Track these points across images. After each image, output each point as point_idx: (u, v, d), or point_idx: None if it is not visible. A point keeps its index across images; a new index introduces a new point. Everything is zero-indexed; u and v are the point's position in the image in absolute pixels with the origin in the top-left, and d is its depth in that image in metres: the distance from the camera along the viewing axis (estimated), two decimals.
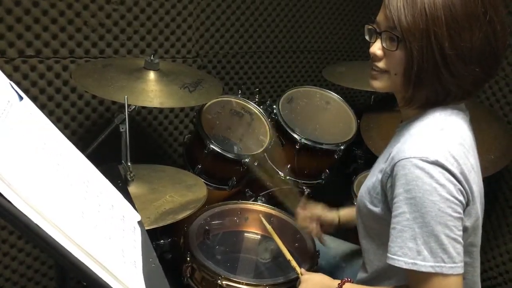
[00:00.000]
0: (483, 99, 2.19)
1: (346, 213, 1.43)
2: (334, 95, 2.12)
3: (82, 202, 0.70)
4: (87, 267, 0.60)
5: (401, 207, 0.92)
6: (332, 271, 1.48)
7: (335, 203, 2.21)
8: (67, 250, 0.58)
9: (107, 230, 0.72)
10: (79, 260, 0.59)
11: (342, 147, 1.91)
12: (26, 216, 0.56)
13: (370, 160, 2.17)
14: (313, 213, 1.40)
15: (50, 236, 0.57)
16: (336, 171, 2.09)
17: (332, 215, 1.42)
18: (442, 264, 0.89)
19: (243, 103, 1.95)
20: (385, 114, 2.05)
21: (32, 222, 0.56)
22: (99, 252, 0.63)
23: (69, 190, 0.69)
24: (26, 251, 1.82)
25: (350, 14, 2.53)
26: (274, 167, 1.98)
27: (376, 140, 1.95)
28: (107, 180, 0.90)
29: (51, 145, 0.74)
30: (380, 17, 1.00)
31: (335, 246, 1.55)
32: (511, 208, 2.14)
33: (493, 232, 2.20)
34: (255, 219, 1.63)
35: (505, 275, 2.19)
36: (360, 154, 2.24)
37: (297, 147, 1.87)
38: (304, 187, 1.99)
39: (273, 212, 1.63)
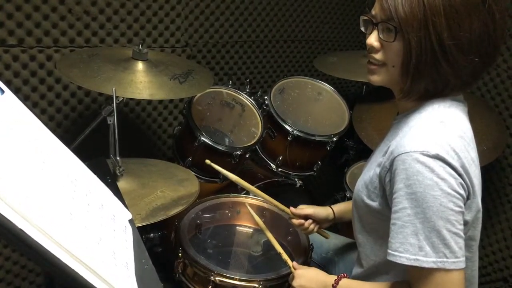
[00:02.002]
0: (474, 89, 2.19)
1: (340, 208, 1.42)
2: (326, 86, 2.09)
3: (70, 203, 0.66)
4: (76, 273, 0.56)
5: (401, 202, 0.90)
6: (325, 265, 1.47)
7: (327, 194, 2.21)
8: (54, 256, 0.54)
9: (97, 231, 0.68)
10: (68, 266, 0.55)
11: (334, 139, 1.89)
12: (9, 221, 0.52)
13: (361, 151, 2.17)
14: (305, 212, 1.38)
15: (36, 241, 0.53)
16: (327, 162, 2.07)
17: (326, 211, 1.40)
18: (445, 260, 0.87)
19: (234, 94, 1.91)
20: (377, 104, 2.04)
21: (16, 227, 0.52)
22: (88, 256, 0.59)
23: (56, 190, 0.65)
24: (13, 259, 1.78)
25: (341, 3, 2.50)
26: (266, 159, 1.96)
27: (368, 131, 1.93)
28: (95, 177, 0.86)
29: (35, 142, 0.69)
30: (376, 8, 0.97)
31: (327, 240, 1.54)
32: (501, 198, 2.16)
33: (483, 222, 2.21)
34: (247, 212, 1.60)
35: (494, 265, 2.21)
36: (351, 145, 2.23)
37: (289, 138, 1.84)
38: (296, 179, 1.97)
39: (265, 205, 1.61)
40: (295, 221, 1.39)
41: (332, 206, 1.42)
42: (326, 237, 1.48)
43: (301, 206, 1.40)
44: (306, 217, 1.39)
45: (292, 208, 1.40)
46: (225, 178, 1.77)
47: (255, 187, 1.84)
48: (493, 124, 1.96)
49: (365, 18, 1.01)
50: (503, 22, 0.93)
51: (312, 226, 1.39)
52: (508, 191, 2.13)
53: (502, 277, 2.20)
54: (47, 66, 1.69)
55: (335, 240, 1.54)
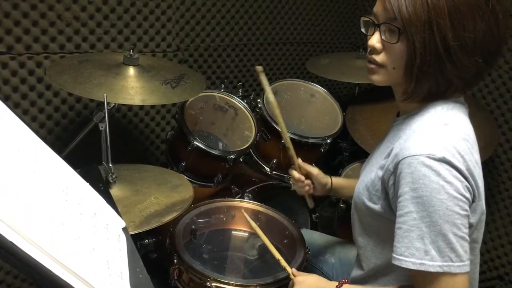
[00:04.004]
0: (470, 90, 2.20)
1: (339, 181, 1.42)
2: (319, 88, 2.09)
3: (62, 212, 0.65)
4: (69, 285, 0.55)
5: (407, 206, 0.89)
6: (321, 267, 1.46)
7: (322, 196, 2.20)
8: (46, 268, 0.53)
9: (90, 241, 0.67)
10: (60, 278, 0.54)
11: (328, 141, 1.89)
12: None
13: (355, 153, 2.17)
14: (310, 169, 1.37)
15: (27, 254, 0.52)
16: (322, 164, 2.07)
17: (326, 179, 1.39)
18: (450, 263, 0.87)
19: (227, 97, 1.91)
20: (370, 105, 2.04)
21: (6, 239, 0.50)
22: (81, 267, 0.58)
23: (47, 200, 0.63)
24: (5, 269, 1.75)
25: (332, 5, 2.51)
26: (260, 162, 1.95)
27: (362, 132, 1.93)
28: (88, 184, 0.85)
29: (25, 150, 0.68)
30: (378, 8, 0.96)
31: (323, 241, 1.53)
32: (494, 197, 2.17)
33: None
34: (242, 217, 1.59)
35: (489, 263, 2.22)
36: (345, 147, 2.23)
37: (283, 141, 1.83)
38: (290, 182, 1.96)
39: (260, 209, 1.60)
40: (296, 174, 1.36)
41: (332, 177, 1.41)
42: (309, 205, 1.46)
43: (307, 164, 1.39)
44: (307, 176, 1.37)
45: (300, 160, 1.37)
46: (219, 182, 1.78)
47: (250, 190, 1.85)
48: (484, 123, 1.96)
49: (366, 19, 1.00)
50: (505, 22, 0.93)
51: (307, 188, 1.37)
52: (501, 189, 2.14)
53: (497, 275, 2.21)
54: (37, 73, 1.67)
55: (331, 241, 1.53)
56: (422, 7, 0.88)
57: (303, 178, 1.36)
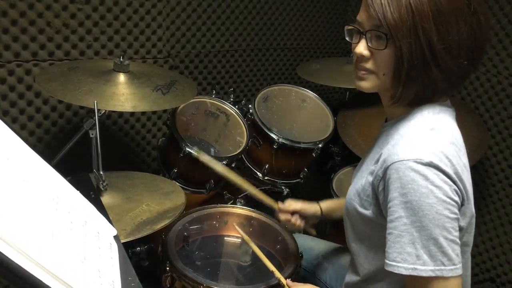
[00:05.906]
0: (455, 93, 2.22)
1: (328, 204, 1.42)
2: (310, 93, 2.10)
3: (52, 222, 0.64)
4: None
5: (397, 211, 0.90)
6: (315, 272, 1.46)
7: (314, 201, 2.20)
8: (37, 278, 0.52)
9: (81, 250, 0.66)
10: None
11: (320, 145, 1.89)
12: None
13: (347, 157, 2.18)
14: (293, 208, 1.38)
15: (16, 264, 0.51)
16: (314, 169, 2.07)
17: (314, 207, 1.40)
18: (442, 267, 0.87)
19: (218, 103, 1.90)
20: (361, 110, 2.05)
21: None
22: (72, 276, 0.57)
23: (37, 209, 0.62)
24: None
25: (322, 11, 2.52)
26: (252, 168, 1.95)
27: (353, 137, 1.94)
28: (78, 193, 0.84)
29: (14, 159, 0.67)
30: (362, 16, 0.96)
31: (316, 246, 1.53)
32: (485, 200, 2.18)
33: None
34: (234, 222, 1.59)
35: (481, 265, 2.23)
36: (336, 151, 2.24)
37: (274, 147, 1.84)
38: (283, 187, 1.97)
39: (253, 214, 1.59)
40: (282, 217, 1.38)
41: (320, 203, 1.41)
42: (312, 234, 1.46)
43: (288, 201, 1.39)
44: (293, 213, 1.38)
45: (279, 203, 1.38)
46: (211, 188, 1.77)
47: (242, 196, 1.85)
48: (474, 127, 1.99)
49: (350, 27, 1.00)
50: (487, 25, 0.95)
51: (298, 222, 1.38)
52: (491, 191, 2.16)
53: (489, 277, 2.22)
54: (26, 81, 1.66)
55: (324, 246, 1.53)
56: (407, 12, 0.89)
57: (289, 217, 1.38)
